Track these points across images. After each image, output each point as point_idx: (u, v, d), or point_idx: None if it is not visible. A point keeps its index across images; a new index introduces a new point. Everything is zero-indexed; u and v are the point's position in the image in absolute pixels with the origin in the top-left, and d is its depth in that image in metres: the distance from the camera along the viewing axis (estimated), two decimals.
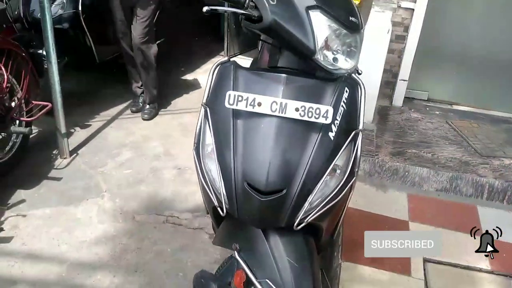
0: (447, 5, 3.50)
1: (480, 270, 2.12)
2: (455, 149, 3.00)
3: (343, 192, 1.23)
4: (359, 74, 1.53)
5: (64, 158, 2.85)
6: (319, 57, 1.20)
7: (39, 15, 2.69)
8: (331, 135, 1.19)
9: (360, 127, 1.27)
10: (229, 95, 1.17)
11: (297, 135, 1.17)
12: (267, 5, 1.14)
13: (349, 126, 1.23)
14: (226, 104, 1.17)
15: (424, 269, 2.09)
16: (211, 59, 4.78)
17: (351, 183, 1.26)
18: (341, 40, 1.22)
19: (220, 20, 5.16)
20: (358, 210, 2.41)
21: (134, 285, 1.99)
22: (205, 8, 1.16)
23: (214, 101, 1.27)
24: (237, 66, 1.28)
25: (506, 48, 3.52)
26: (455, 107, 3.71)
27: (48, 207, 2.42)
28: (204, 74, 4.31)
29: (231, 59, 1.32)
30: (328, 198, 1.21)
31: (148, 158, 2.95)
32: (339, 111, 1.20)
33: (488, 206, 2.61)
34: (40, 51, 3.00)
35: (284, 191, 1.16)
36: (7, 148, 2.64)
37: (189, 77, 4.38)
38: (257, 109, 1.16)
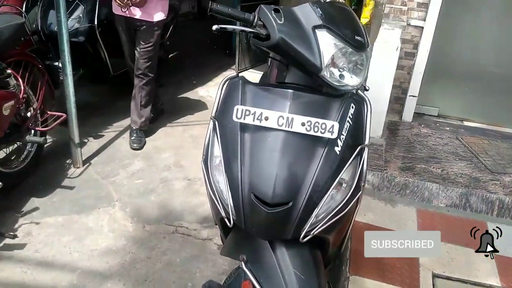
0: (457, 22, 3.53)
1: (490, 286, 2.11)
2: (465, 165, 2.99)
3: (349, 206, 1.24)
4: (366, 90, 1.55)
5: (77, 168, 2.91)
6: (325, 74, 1.24)
7: (56, 28, 2.75)
8: (337, 149, 1.21)
9: (366, 142, 1.28)
10: (237, 109, 1.20)
11: (303, 149, 1.20)
12: (275, 24, 1.18)
13: (355, 141, 1.25)
14: (234, 118, 1.21)
15: (433, 285, 2.08)
16: (222, 73, 4.85)
17: (357, 197, 1.27)
18: (347, 58, 1.26)
19: (231, 35, 5.25)
20: (366, 224, 2.42)
21: None
22: (214, 27, 1.20)
23: (222, 115, 1.30)
24: (245, 81, 1.31)
25: None
26: (465, 123, 3.71)
27: (60, 215, 2.46)
28: (215, 87, 4.33)
29: (240, 74, 1.36)
30: (334, 211, 1.22)
31: (158, 169, 2.99)
32: (345, 126, 1.23)
33: (498, 222, 2.57)
34: (56, 63, 3.10)
35: (290, 204, 1.17)
36: (22, 157, 2.71)
37: (200, 89, 4.45)
38: (264, 123, 1.19)
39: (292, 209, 1.18)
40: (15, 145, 2.69)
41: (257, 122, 1.19)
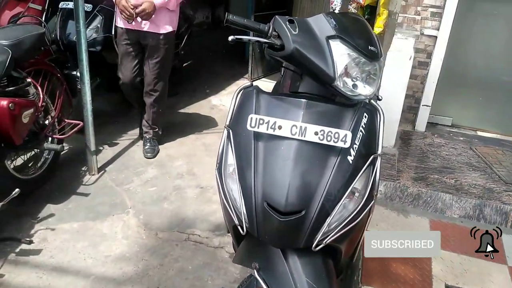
0: (471, 32, 3.52)
1: None
2: (478, 175, 2.96)
3: (362, 215, 1.24)
4: (379, 100, 1.56)
5: (93, 175, 2.95)
6: (338, 83, 1.25)
7: (74, 38, 2.81)
8: (350, 159, 1.22)
9: (379, 151, 1.29)
10: (251, 118, 1.23)
11: (316, 158, 1.21)
12: (289, 34, 1.20)
13: (367, 150, 1.26)
14: (248, 127, 1.23)
15: None
16: (235, 81, 4.88)
17: (369, 206, 1.27)
18: (360, 68, 1.28)
19: (245, 44, 5.30)
20: None
21: None
22: (230, 38, 1.23)
23: (236, 124, 1.32)
24: (259, 91, 1.33)
25: None
26: (479, 133, 3.68)
27: (75, 222, 2.50)
28: (228, 96, 4.42)
29: (254, 84, 1.38)
30: (347, 220, 1.23)
31: (172, 177, 3.02)
32: (358, 136, 1.24)
33: None
34: (74, 72, 3.17)
35: (303, 212, 1.18)
36: (39, 164, 2.75)
37: (213, 98, 4.48)
38: (277, 132, 1.20)
39: (304, 218, 1.19)
40: (33, 152, 2.74)
41: (270, 131, 1.21)
